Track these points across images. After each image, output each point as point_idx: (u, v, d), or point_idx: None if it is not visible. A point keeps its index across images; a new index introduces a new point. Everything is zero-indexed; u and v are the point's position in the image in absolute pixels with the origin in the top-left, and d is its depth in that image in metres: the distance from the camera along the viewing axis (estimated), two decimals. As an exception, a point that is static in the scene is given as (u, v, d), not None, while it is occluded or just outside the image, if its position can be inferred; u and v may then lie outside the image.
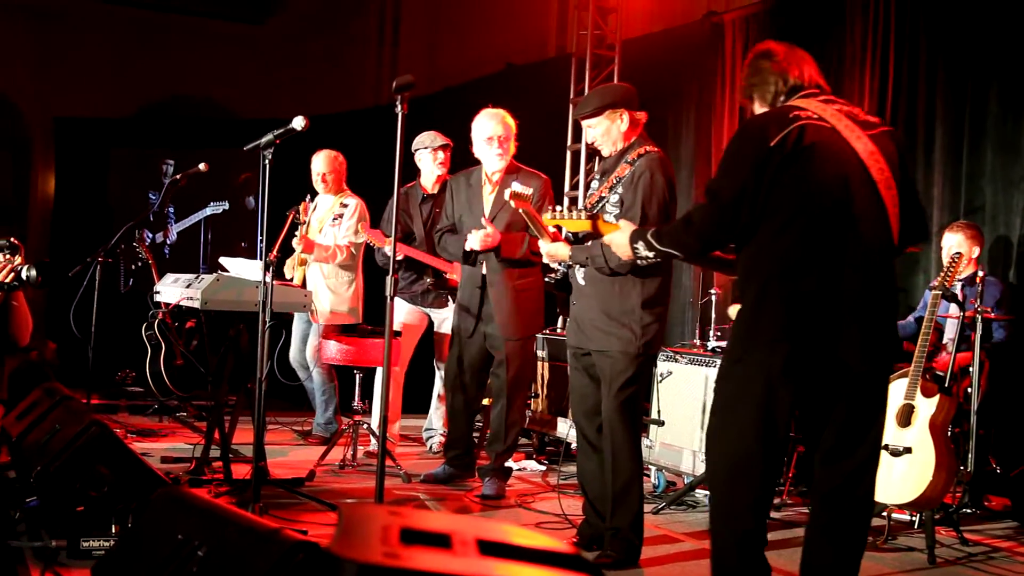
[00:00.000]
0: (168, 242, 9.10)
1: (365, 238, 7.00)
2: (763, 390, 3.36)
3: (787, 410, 3.39)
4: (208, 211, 7.74)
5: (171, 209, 9.92)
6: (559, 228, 4.59)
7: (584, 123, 4.79)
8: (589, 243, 4.56)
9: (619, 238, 3.93)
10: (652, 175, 4.52)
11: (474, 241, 5.81)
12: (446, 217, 6.20)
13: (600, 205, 4.59)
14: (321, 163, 7.42)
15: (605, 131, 4.70)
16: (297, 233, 6.89)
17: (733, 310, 5.97)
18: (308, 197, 6.80)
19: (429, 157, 6.90)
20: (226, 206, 7.70)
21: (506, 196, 4.65)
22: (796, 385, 3.37)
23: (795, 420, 3.61)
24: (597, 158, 9.38)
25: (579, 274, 4.72)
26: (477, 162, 6.08)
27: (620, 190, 4.56)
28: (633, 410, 4.63)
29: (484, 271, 5.93)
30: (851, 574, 3.44)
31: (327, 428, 7.50)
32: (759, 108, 3.61)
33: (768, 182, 3.33)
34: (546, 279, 4.92)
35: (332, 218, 7.25)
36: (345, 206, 7.28)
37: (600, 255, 4.48)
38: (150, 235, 8.11)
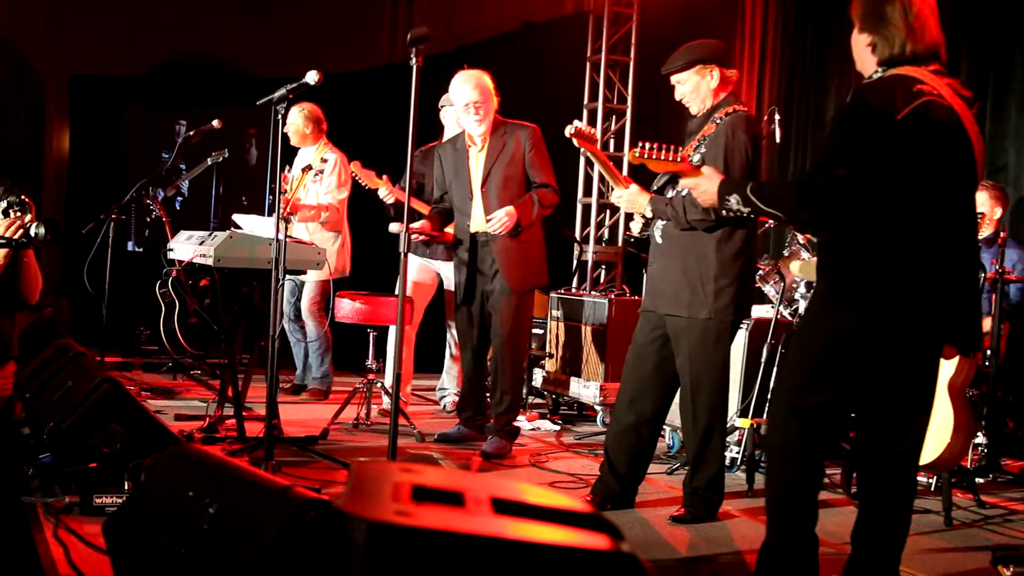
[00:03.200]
0: (181, 193, 9.08)
1: (347, 195, 7.02)
2: (838, 343, 3.35)
3: (859, 363, 3.37)
4: (209, 161, 7.70)
5: (183, 167, 9.90)
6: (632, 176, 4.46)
7: (673, 79, 4.65)
8: (670, 194, 4.49)
9: (706, 184, 3.71)
10: (735, 132, 4.42)
11: (499, 228, 5.73)
12: (436, 187, 6.16)
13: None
14: (292, 117, 7.40)
15: (694, 87, 4.60)
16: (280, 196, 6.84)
17: (795, 265, 5.83)
18: (286, 168, 6.76)
19: (454, 116, 6.84)
20: (226, 154, 7.68)
21: (567, 133, 4.51)
22: (869, 346, 3.34)
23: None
24: (588, 115, 9.32)
25: (657, 232, 4.64)
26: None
27: (703, 149, 4.46)
28: (713, 378, 4.57)
29: (472, 229, 5.89)
30: (897, 548, 3.47)
31: (323, 381, 7.54)
32: (865, 51, 3.42)
33: (890, 156, 3.21)
34: (626, 237, 4.83)
35: (314, 173, 7.21)
36: (325, 161, 7.25)
37: (681, 209, 4.41)
38: (161, 192, 8.08)
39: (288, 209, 6.99)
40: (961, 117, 3.29)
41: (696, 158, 4.45)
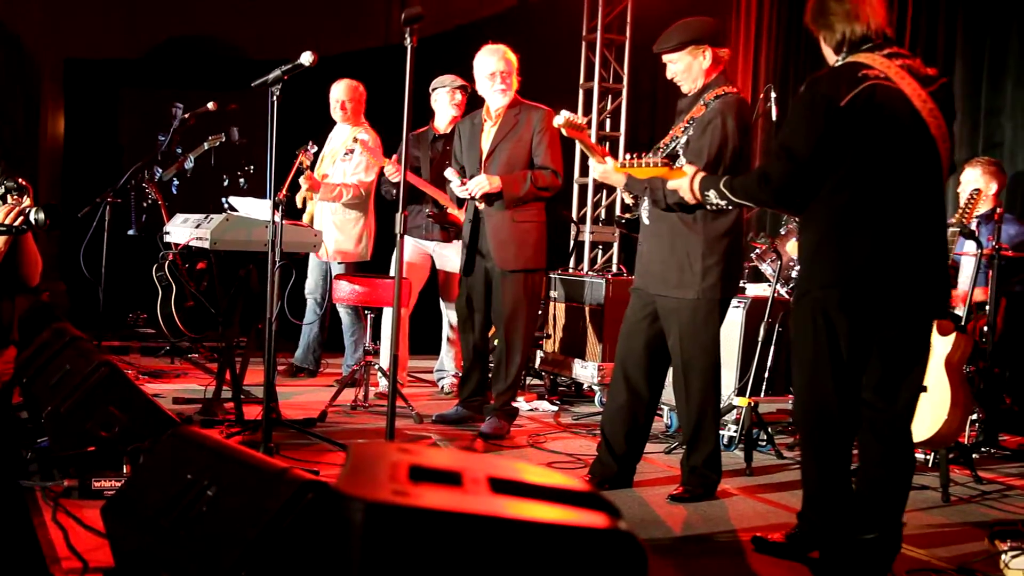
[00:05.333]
0: (187, 167, 9.09)
1: (374, 178, 7.02)
2: (822, 321, 3.52)
3: (847, 336, 3.51)
4: (206, 145, 7.72)
5: (179, 151, 9.90)
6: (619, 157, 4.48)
7: (664, 58, 4.63)
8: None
9: (685, 184, 3.94)
10: (724, 119, 4.41)
11: (475, 191, 5.79)
12: (455, 161, 6.16)
13: (672, 146, 4.51)
14: (340, 91, 7.42)
15: (686, 67, 4.58)
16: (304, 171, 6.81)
17: (791, 246, 5.89)
18: (309, 143, 6.77)
19: (446, 97, 6.88)
20: (223, 138, 7.71)
21: (556, 123, 4.53)
22: (851, 320, 3.49)
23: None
24: (584, 94, 9.30)
25: (644, 213, 4.65)
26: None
27: (691, 131, 4.46)
28: (704, 357, 4.58)
29: (478, 204, 5.89)
30: (898, 512, 3.61)
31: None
32: (825, 47, 3.68)
33: (838, 141, 3.41)
34: (617, 219, 4.85)
35: (344, 152, 7.21)
36: (357, 141, 7.23)
37: (659, 188, 4.40)
38: (159, 171, 8.10)
39: (308, 186, 6.96)
40: (910, 97, 3.44)
41: (684, 139, 4.45)
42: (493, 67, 5.87)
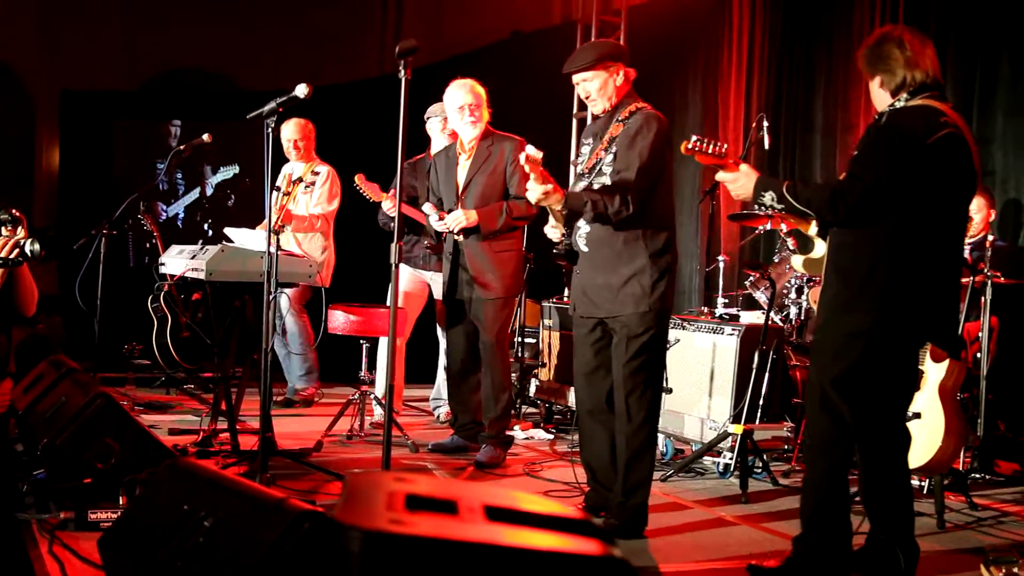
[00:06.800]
0: (207, 194, 9.10)
1: (336, 207, 7.06)
2: (864, 341, 3.72)
3: (885, 358, 3.75)
4: (219, 176, 7.79)
5: (180, 176, 9.92)
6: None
7: (578, 77, 4.62)
8: (589, 188, 4.50)
9: (743, 180, 3.92)
10: (651, 129, 4.44)
11: (453, 226, 5.87)
12: (432, 193, 6.21)
13: (597, 168, 4.51)
14: (292, 130, 7.55)
15: (602, 85, 4.58)
16: (274, 205, 6.87)
17: (797, 260, 5.89)
18: (285, 169, 6.80)
19: (438, 126, 6.93)
20: (236, 169, 7.79)
21: (521, 159, 4.54)
22: (894, 343, 3.74)
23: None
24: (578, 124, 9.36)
25: (581, 242, 4.65)
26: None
27: (615, 149, 4.47)
28: (649, 375, 4.53)
29: (456, 237, 5.95)
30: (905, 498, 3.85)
31: (309, 379, 7.55)
32: (878, 88, 3.85)
33: (916, 173, 3.61)
34: (553, 252, 4.85)
35: (304, 186, 7.30)
36: (316, 174, 7.39)
37: (600, 200, 4.40)
38: (164, 208, 8.13)
39: (281, 219, 7.01)
40: (971, 149, 3.73)
41: (609, 158, 4.46)
42: (462, 100, 5.95)
